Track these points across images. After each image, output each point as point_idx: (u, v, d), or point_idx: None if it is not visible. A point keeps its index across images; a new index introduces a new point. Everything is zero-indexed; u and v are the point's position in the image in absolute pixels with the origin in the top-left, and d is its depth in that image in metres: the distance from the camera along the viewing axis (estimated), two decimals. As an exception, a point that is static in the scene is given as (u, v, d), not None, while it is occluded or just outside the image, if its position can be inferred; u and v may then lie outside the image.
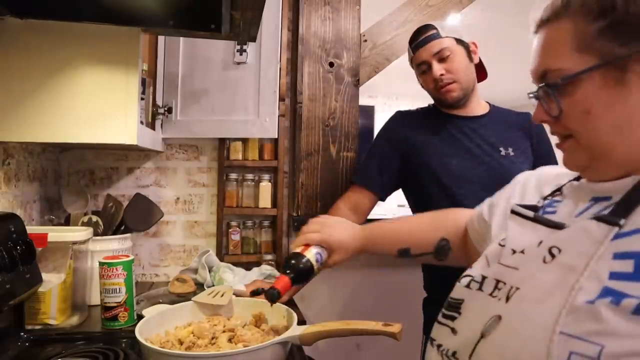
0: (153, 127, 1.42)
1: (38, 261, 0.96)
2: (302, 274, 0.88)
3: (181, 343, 0.85)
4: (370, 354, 1.71)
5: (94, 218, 1.32)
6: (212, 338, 0.87)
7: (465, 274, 0.67)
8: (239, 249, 1.61)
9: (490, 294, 0.60)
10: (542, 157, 1.33)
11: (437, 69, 1.28)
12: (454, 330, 0.63)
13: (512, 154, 1.29)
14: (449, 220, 0.96)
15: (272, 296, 0.83)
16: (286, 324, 0.90)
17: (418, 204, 1.40)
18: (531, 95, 0.65)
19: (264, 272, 1.47)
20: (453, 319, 0.64)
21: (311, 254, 0.89)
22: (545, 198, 0.69)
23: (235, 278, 1.36)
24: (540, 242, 0.58)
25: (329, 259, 0.93)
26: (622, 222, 0.52)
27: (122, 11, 0.96)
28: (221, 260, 1.51)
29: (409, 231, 0.98)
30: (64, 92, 0.99)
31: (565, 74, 0.59)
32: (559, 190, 0.68)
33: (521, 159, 1.30)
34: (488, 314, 0.57)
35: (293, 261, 0.88)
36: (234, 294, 1.04)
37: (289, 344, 0.85)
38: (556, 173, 0.75)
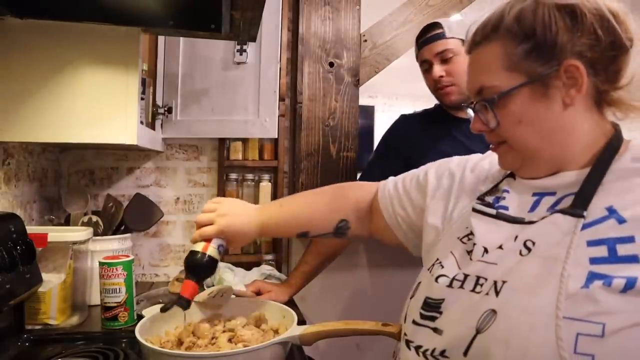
0: (153, 127, 1.42)
1: (38, 261, 0.96)
2: (206, 271, 0.87)
3: (181, 343, 0.85)
4: (370, 354, 1.71)
5: (94, 218, 1.32)
6: (212, 338, 0.87)
7: (439, 273, 0.69)
8: (239, 249, 1.61)
9: (473, 290, 0.63)
10: None
11: (437, 70, 1.27)
12: (436, 330, 0.65)
13: None
14: (350, 199, 0.98)
15: (183, 306, 0.83)
16: (286, 324, 0.90)
17: None
18: (468, 108, 0.74)
19: (264, 272, 1.47)
20: (433, 319, 0.66)
21: (212, 250, 0.87)
22: (485, 194, 0.75)
23: (236, 278, 1.36)
24: (516, 237, 0.63)
25: (228, 246, 0.92)
26: (584, 213, 0.60)
27: (122, 11, 0.96)
28: (221, 260, 1.51)
29: (308, 214, 0.98)
30: (64, 92, 0.99)
31: (499, 90, 0.67)
32: (496, 187, 0.76)
33: None
34: (479, 309, 0.60)
35: (193, 263, 0.85)
36: (233, 294, 1.04)
37: (289, 344, 0.85)
38: (488, 168, 0.82)
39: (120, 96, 1.01)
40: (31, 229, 0.97)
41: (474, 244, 0.67)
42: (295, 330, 0.83)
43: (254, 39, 1.18)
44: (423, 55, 1.30)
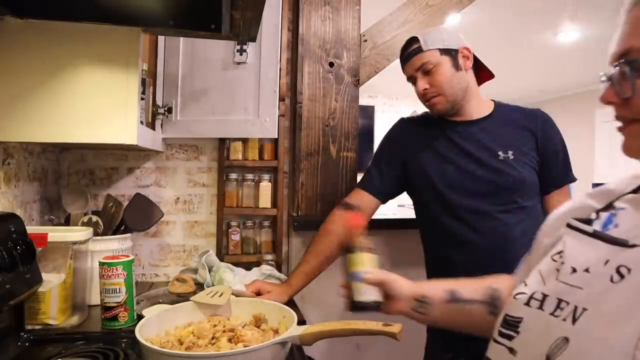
0: (153, 127, 1.42)
1: (38, 261, 0.95)
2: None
3: (181, 343, 0.85)
4: (370, 354, 1.71)
5: (94, 218, 1.32)
6: (212, 338, 0.87)
7: (519, 290, 0.64)
8: (239, 249, 1.61)
9: (552, 314, 0.57)
10: (549, 157, 1.29)
11: (421, 84, 1.27)
12: (512, 350, 0.60)
13: (511, 157, 1.26)
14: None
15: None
16: (286, 324, 0.90)
17: (417, 209, 1.41)
18: (603, 77, 0.61)
19: (264, 272, 1.47)
20: (510, 338, 0.61)
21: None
22: (599, 211, 0.64)
23: (236, 278, 1.36)
24: (607, 261, 0.55)
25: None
26: None
27: (122, 11, 0.96)
28: (221, 260, 1.51)
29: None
30: (64, 92, 0.99)
31: None
32: (610, 204, 0.65)
33: (522, 162, 1.26)
34: (552, 335, 0.55)
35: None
36: (233, 294, 1.04)
37: (289, 344, 0.85)
38: (612, 187, 0.69)
39: (120, 96, 1.01)
40: (31, 229, 0.97)
41: (562, 263, 0.60)
42: (295, 331, 0.83)
43: (254, 39, 1.18)
44: (406, 72, 1.32)
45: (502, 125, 1.31)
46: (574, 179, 1.33)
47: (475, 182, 1.25)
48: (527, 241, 1.18)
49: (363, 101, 1.70)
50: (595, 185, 2.26)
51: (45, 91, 0.99)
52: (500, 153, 1.26)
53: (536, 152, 1.29)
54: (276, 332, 0.90)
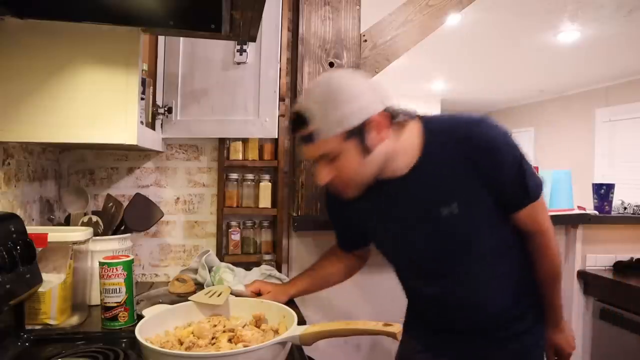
0: (153, 127, 1.42)
1: (38, 261, 0.96)
2: None
3: (181, 343, 0.85)
4: (370, 354, 1.71)
5: (94, 218, 1.32)
6: (212, 338, 0.87)
7: None
8: (239, 249, 1.61)
9: None
10: (501, 188, 1.03)
11: (324, 173, 1.01)
12: None
13: (456, 211, 1.02)
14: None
15: None
16: (286, 324, 0.90)
17: None
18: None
19: (264, 272, 1.47)
20: None
21: None
22: None
23: (235, 278, 1.36)
24: None
25: None
26: None
27: (122, 11, 0.96)
28: (221, 260, 1.51)
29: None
30: (64, 92, 0.99)
31: None
32: None
33: (471, 210, 1.03)
34: None
35: None
36: (233, 294, 1.04)
37: (289, 344, 0.85)
38: None
39: (120, 96, 1.01)
40: (31, 229, 0.97)
41: None
42: (295, 331, 0.83)
43: (254, 39, 1.18)
44: (302, 153, 1.07)
45: (439, 168, 1.03)
46: (536, 196, 1.07)
47: (416, 250, 1.10)
48: (501, 277, 1.11)
49: (363, 101, 1.70)
50: (596, 185, 2.25)
51: (45, 91, 0.99)
52: (442, 209, 1.03)
53: (487, 190, 1.02)
54: (276, 332, 0.90)
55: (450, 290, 1.12)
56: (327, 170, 1.00)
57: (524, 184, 1.04)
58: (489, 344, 1.15)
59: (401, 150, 1.04)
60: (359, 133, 0.97)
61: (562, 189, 1.91)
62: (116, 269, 1.05)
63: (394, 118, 1.02)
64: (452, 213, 1.02)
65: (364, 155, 0.98)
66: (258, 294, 1.25)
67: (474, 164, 1.00)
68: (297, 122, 0.99)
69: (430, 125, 1.06)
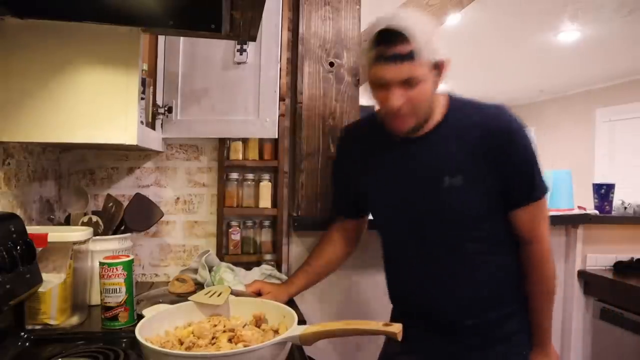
0: (153, 127, 1.42)
1: (38, 261, 0.95)
2: None
3: (181, 343, 0.85)
4: (370, 354, 1.71)
5: (94, 218, 1.32)
6: (212, 338, 0.87)
7: None
8: (239, 249, 1.61)
9: None
10: (509, 180, 1.06)
11: (397, 98, 1.00)
12: None
13: (460, 182, 1.04)
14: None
15: None
16: (286, 324, 0.90)
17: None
18: None
19: (264, 272, 1.47)
20: None
21: None
22: None
23: (236, 278, 1.36)
24: None
25: None
26: None
27: (122, 11, 0.96)
28: (221, 260, 1.51)
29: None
30: (64, 92, 0.99)
31: None
32: None
33: (471, 187, 1.05)
34: None
35: None
36: (233, 294, 1.04)
37: (289, 344, 0.85)
38: None
39: (121, 96, 1.01)
40: (31, 228, 0.97)
41: None
42: (295, 330, 0.83)
43: (254, 39, 1.17)
44: (382, 73, 1.00)
45: (452, 139, 1.07)
46: (539, 196, 1.10)
47: (411, 210, 1.12)
48: (486, 272, 1.11)
49: (363, 101, 1.70)
50: (596, 185, 2.25)
51: (46, 91, 0.99)
52: (446, 178, 1.05)
53: (494, 175, 1.05)
54: (276, 332, 0.90)
55: (438, 267, 1.11)
56: (402, 94, 1.00)
57: (531, 180, 1.07)
58: (466, 348, 1.14)
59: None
60: (437, 68, 1.02)
61: (563, 189, 1.91)
62: (116, 269, 1.05)
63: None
64: (454, 185, 1.04)
65: (434, 89, 1.04)
66: (258, 294, 1.25)
67: (488, 148, 1.03)
68: (391, 37, 0.97)
69: (456, 100, 1.12)
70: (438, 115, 1.09)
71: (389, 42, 0.98)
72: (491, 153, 1.04)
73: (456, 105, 1.10)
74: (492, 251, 1.12)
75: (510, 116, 1.07)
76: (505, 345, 1.14)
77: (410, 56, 0.97)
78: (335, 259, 1.36)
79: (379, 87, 1.03)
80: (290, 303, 1.25)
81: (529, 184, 1.07)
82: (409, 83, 0.99)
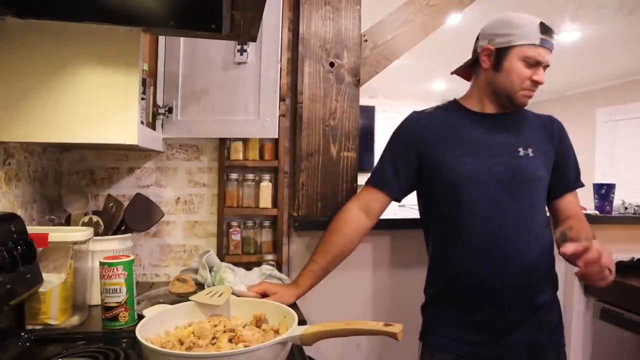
0: (153, 127, 1.42)
1: (39, 261, 0.96)
2: None
3: (182, 343, 0.85)
4: (370, 354, 1.71)
5: (95, 218, 1.32)
6: (213, 338, 0.87)
7: None
8: (240, 249, 1.61)
9: None
10: (564, 161, 1.33)
11: (541, 76, 1.26)
12: None
13: (531, 154, 1.27)
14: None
15: None
16: (286, 324, 0.90)
17: (425, 205, 1.38)
18: None
19: (265, 272, 1.47)
20: None
21: None
22: None
23: (236, 278, 1.36)
24: None
25: None
26: None
27: (123, 11, 0.96)
28: (221, 260, 1.51)
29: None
30: (64, 93, 0.99)
31: None
32: None
33: (540, 160, 1.28)
34: None
35: None
36: (234, 294, 1.04)
37: (289, 344, 0.85)
38: None
39: (121, 96, 1.01)
40: (32, 229, 0.97)
41: None
42: (295, 331, 0.83)
43: (254, 39, 1.17)
44: (540, 55, 1.25)
45: (522, 123, 1.33)
46: (582, 184, 1.38)
47: (492, 175, 1.24)
48: (529, 237, 1.24)
49: (363, 101, 1.70)
50: (596, 185, 2.25)
51: (46, 91, 0.99)
52: (520, 149, 1.27)
53: (553, 153, 1.31)
54: (277, 332, 0.90)
55: (508, 223, 1.23)
56: (542, 74, 1.27)
57: (578, 169, 1.37)
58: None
59: None
60: None
61: (563, 189, 1.90)
62: (117, 269, 1.05)
63: None
64: (527, 155, 1.27)
65: None
66: (264, 295, 1.24)
67: (550, 136, 1.33)
68: (551, 31, 1.27)
69: None
70: None
71: (551, 33, 1.26)
72: (552, 137, 1.33)
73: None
74: (545, 226, 1.31)
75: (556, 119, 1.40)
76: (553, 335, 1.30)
77: (553, 47, 1.26)
78: (343, 250, 1.35)
79: (531, 65, 1.25)
80: (291, 303, 1.25)
81: (577, 172, 1.36)
82: (544, 68, 1.27)
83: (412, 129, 1.37)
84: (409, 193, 1.39)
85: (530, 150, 1.27)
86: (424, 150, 1.32)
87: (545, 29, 1.25)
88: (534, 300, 1.25)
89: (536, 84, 1.26)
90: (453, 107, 1.38)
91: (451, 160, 1.27)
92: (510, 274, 1.22)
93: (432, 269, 1.36)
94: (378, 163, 1.41)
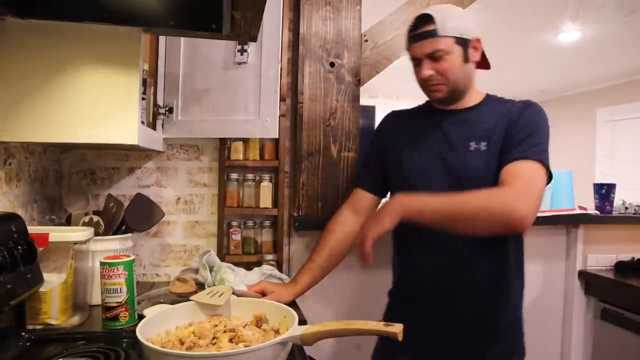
0: (154, 127, 1.42)
1: (39, 261, 0.96)
2: None
3: (182, 343, 0.85)
4: (370, 354, 1.71)
5: (95, 218, 1.32)
6: (213, 338, 0.87)
7: None
8: (240, 249, 1.61)
9: None
10: (510, 135, 1.18)
11: (426, 69, 1.21)
12: None
13: (483, 148, 1.20)
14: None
15: None
16: (287, 324, 0.90)
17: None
18: None
19: (265, 272, 1.47)
20: None
21: None
22: None
23: (236, 278, 1.36)
24: None
25: None
26: None
27: (123, 11, 0.96)
28: (222, 260, 1.51)
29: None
30: (64, 93, 0.99)
31: None
32: None
33: (493, 151, 1.19)
34: None
35: None
36: (235, 294, 1.04)
37: (289, 344, 0.85)
38: None
39: (121, 96, 1.01)
40: (32, 229, 0.97)
41: None
42: (296, 330, 0.83)
43: (254, 39, 1.17)
44: (413, 51, 1.23)
45: (484, 116, 1.25)
46: (532, 157, 1.13)
47: (442, 171, 1.23)
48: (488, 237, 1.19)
49: (364, 101, 1.70)
50: (597, 185, 2.25)
51: (46, 91, 0.99)
52: (472, 144, 1.21)
53: (504, 136, 1.19)
54: (277, 332, 0.90)
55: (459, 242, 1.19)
56: (431, 67, 1.21)
57: (529, 142, 1.15)
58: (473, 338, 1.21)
59: (474, 87, 1.28)
60: (464, 44, 1.20)
61: (563, 189, 1.90)
62: (117, 269, 1.05)
63: (483, 55, 1.28)
64: (478, 149, 1.20)
65: (464, 62, 1.21)
66: (263, 294, 1.25)
67: (509, 120, 1.20)
68: (420, 20, 1.21)
69: (493, 95, 1.31)
70: (475, 100, 1.28)
71: (416, 25, 1.22)
72: (510, 120, 1.20)
73: (493, 97, 1.30)
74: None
75: (538, 108, 1.23)
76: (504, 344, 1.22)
77: (431, 34, 1.18)
78: (339, 249, 1.36)
79: (416, 66, 1.25)
80: (291, 303, 1.25)
81: (524, 141, 1.15)
82: (434, 57, 1.19)
83: (382, 128, 1.43)
84: (386, 189, 1.41)
85: (483, 144, 1.20)
86: (386, 147, 1.37)
87: (415, 24, 1.22)
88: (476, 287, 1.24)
89: (428, 79, 1.21)
90: (425, 106, 1.39)
91: (406, 158, 1.29)
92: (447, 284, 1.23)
93: (395, 274, 1.40)
94: (359, 164, 1.47)
